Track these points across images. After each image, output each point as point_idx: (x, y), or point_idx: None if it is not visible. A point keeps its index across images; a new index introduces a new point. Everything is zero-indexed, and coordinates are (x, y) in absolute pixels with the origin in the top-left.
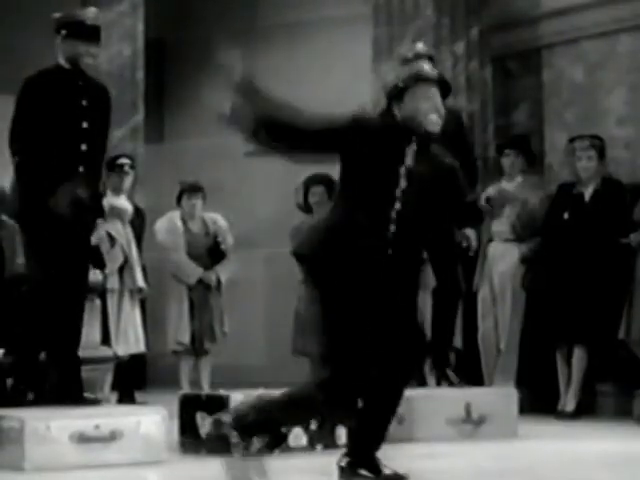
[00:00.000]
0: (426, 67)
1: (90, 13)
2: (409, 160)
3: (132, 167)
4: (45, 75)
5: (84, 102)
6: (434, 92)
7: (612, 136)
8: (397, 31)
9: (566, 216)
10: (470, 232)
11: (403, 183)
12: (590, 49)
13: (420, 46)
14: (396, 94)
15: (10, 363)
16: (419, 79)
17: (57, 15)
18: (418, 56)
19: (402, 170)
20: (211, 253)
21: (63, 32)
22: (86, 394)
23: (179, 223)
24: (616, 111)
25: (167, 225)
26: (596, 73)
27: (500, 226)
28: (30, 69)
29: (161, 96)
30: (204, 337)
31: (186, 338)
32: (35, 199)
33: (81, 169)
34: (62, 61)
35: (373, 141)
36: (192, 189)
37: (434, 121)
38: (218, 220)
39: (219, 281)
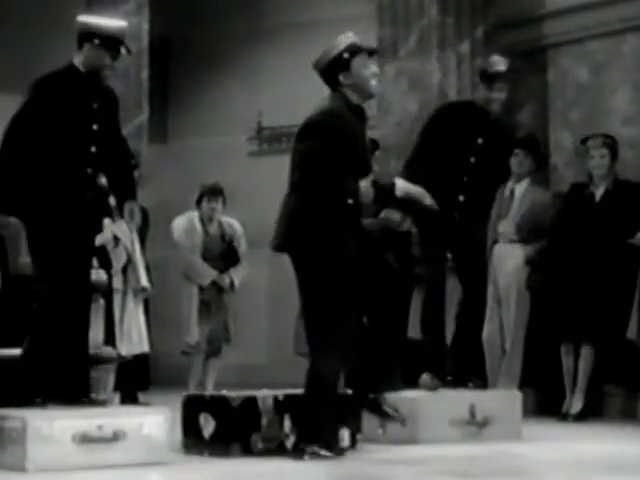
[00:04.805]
0: None
1: (121, 28)
2: None
3: (136, 166)
4: (58, 76)
5: (95, 105)
6: None
7: (617, 136)
8: (401, 31)
9: (577, 216)
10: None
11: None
12: (595, 49)
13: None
14: None
15: (18, 360)
16: None
17: (88, 20)
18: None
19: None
20: (224, 256)
21: (95, 41)
22: (93, 395)
23: (198, 225)
24: (621, 111)
25: (186, 225)
26: (601, 73)
27: (505, 227)
28: (35, 70)
29: (165, 95)
30: (220, 338)
31: (198, 339)
32: (41, 198)
33: (89, 170)
34: (79, 64)
35: None
36: (212, 192)
37: None
38: (234, 225)
39: (232, 284)
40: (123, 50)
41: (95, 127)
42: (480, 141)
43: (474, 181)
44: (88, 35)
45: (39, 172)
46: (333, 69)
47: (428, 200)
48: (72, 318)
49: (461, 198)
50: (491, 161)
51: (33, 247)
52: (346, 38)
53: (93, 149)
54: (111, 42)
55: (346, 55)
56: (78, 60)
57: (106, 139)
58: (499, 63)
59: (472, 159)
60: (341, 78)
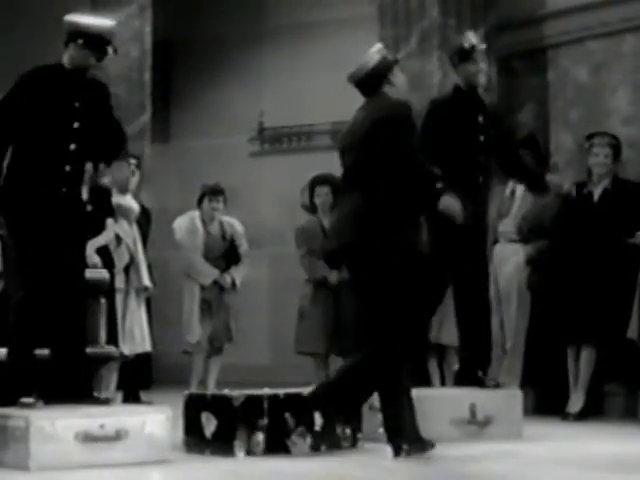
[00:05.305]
0: None
1: (107, 27)
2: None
3: (138, 167)
4: (43, 71)
5: (77, 103)
6: None
7: (617, 136)
8: (403, 32)
9: (576, 215)
10: None
11: None
12: (595, 49)
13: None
14: None
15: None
16: None
17: (73, 20)
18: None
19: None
20: (225, 256)
21: (79, 41)
22: (96, 394)
23: (200, 225)
24: (621, 111)
25: (188, 225)
26: (601, 73)
27: (506, 226)
28: None
29: (168, 96)
30: (221, 337)
31: (199, 338)
32: (18, 195)
33: (67, 168)
34: (66, 62)
35: None
36: (214, 192)
37: None
38: (235, 224)
39: (233, 283)
40: (110, 50)
41: (76, 125)
42: (480, 119)
43: (488, 160)
44: (73, 35)
45: (15, 166)
46: (381, 71)
47: (460, 218)
48: (62, 315)
49: (481, 179)
50: (492, 138)
51: (9, 244)
52: (377, 49)
53: (72, 147)
54: (96, 42)
55: (390, 58)
56: (65, 59)
57: (87, 137)
58: (472, 37)
59: (481, 137)
60: (390, 76)
